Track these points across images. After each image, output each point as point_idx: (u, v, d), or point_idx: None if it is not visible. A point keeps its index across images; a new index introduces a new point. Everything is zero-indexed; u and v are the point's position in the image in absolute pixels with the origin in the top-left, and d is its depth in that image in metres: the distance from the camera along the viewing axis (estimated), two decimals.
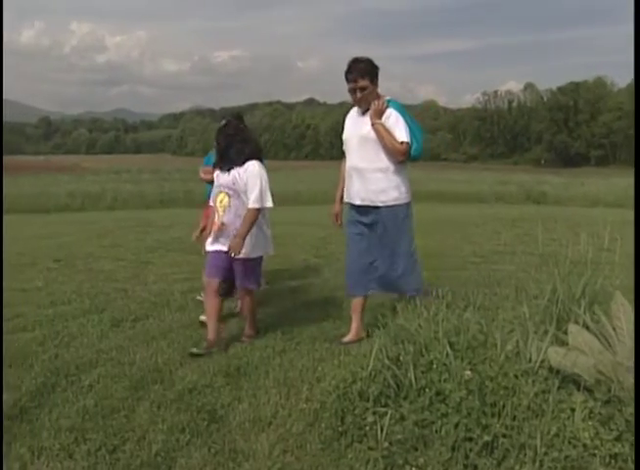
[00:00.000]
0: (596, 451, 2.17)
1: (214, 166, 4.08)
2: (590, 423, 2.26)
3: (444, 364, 2.62)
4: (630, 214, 3.79)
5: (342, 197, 4.13)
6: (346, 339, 3.98)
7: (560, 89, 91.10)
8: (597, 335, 2.62)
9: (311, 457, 2.49)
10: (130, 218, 13.22)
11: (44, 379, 3.34)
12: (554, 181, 27.45)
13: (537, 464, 2.16)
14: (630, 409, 2.26)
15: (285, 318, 4.58)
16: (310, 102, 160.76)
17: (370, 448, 2.41)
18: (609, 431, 2.23)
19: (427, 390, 2.52)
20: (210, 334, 3.91)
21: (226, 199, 3.92)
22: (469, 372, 2.52)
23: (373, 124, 3.80)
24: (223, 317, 4.27)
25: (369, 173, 3.84)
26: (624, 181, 22.97)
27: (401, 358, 2.74)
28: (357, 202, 3.93)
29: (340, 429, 2.57)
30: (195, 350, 3.76)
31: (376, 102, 3.81)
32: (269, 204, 3.90)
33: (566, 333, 2.70)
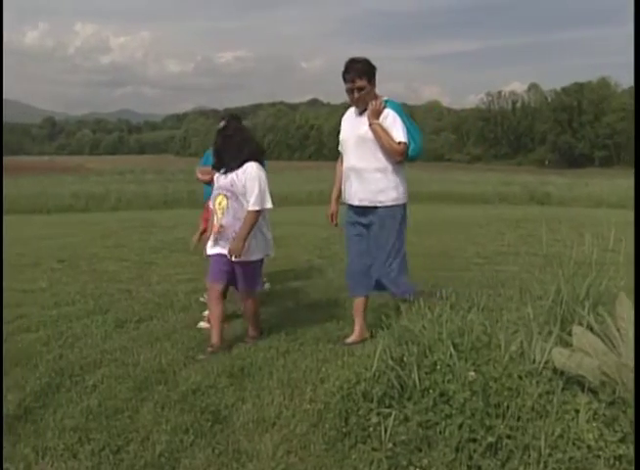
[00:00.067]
0: (600, 453, 2.17)
1: (213, 167, 4.05)
2: (594, 424, 2.25)
3: (448, 365, 2.61)
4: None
5: (337, 197, 4.14)
6: (350, 340, 3.98)
7: (564, 90, 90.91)
8: (601, 336, 2.61)
9: (315, 458, 2.49)
10: (134, 219, 13.25)
11: (48, 379, 3.35)
12: (558, 182, 27.41)
13: (541, 465, 2.16)
14: None
15: (288, 319, 4.58)
16: (314, 102, 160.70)
17: (374, 449, 2.40)
18: (613, 432, 2.22)
19: (431, 391, 2.52)
20: (215, 338, 3.90)
21: (225, 201, 3.88)
22: (473, 373, 2.52)
23: (370, 125, 3.79)
24: (227, 317, 4.27)
25: (368, 174, 3.83)
26: (628, 182, 22.87)
27: (405, 359, 2.73)
28: (356, 202, 3.92)
29: (343, 430, 2.57)
30: (201, 356, 3.75)
31: (373, 102, 3.80)
32: (269, 205, 3.88)
33: (570, 334, 2.70)
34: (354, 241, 4.02)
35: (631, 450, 2.16)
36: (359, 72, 3.80)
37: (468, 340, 2.76)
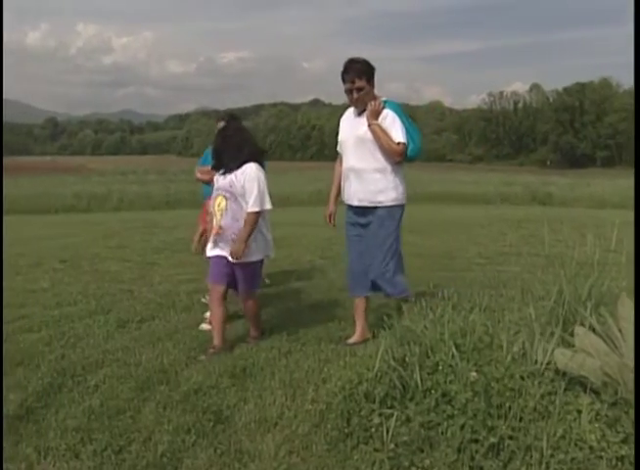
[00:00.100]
0: (602, 454, 2.16)
1: (213, 168, 4.03)
2: (597, 425, 2.25)
3: (450, 366, 2.61)
4: None
5: (335, 198, 4.14)
6: (352, 340, 3.98)
7: (566, 90, 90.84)
8: (603, 337, 2.61)
9: (317, 458, 2.49)
10: (136, 219, 13.26)
11: (50, 379, 3.36)
12: (560, 182, 27.41)
13: (544, 466, 2.15)
14: None
15: (290, 319, 4.58)
16: (315, 103, 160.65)
17: (376, 450, 2.40)
18: (615, 433, 2.22)
19: (432, 391, 2.52)
20: (216, 340, 3.90)
21: (224, 202, 3.86)
22: (475, 374, 2.52)
23: (369, 125, 3.80)
24: (229, 318, 4.27)
25: (367, 174, 3.83)
26: (630, 182, 22.85)
27: (407, 360, 2.73)
28: (355, 202, 3.93)
29: (345, 430, 2.57)
30: (203, 357, 3.76)
31: (372, 102, 3.81)
32: (268, 206, 3.86)
33: (572, 335, 2.69)
34: (354, 241, 4.03)
35: (633, 451, 2.15)
36: (358, 73, 3.80)
37: (470, 340, 2.76)
